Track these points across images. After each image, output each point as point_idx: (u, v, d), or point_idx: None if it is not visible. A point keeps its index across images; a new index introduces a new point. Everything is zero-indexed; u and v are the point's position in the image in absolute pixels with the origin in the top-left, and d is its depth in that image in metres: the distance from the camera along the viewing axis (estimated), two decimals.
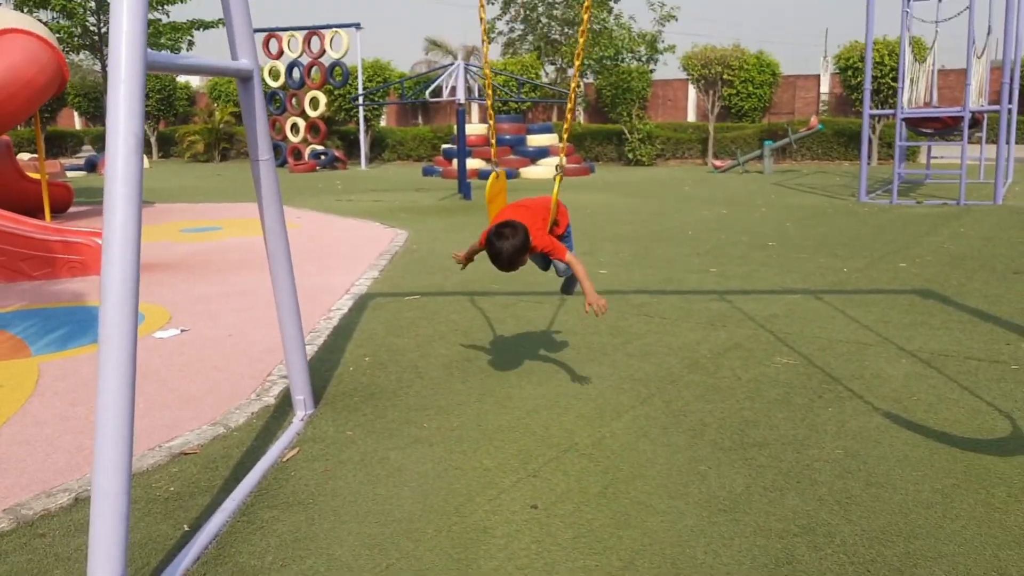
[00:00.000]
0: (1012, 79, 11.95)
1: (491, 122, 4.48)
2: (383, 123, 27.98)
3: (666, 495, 3.18)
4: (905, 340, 5.14)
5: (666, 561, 2.73)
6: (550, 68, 26.87)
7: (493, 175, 4.13)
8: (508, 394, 4.28)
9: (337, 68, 22.58)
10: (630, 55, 23.44)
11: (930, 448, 3.56)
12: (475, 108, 26.88)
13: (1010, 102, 12.31)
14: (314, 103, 23.14)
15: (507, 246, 3.73)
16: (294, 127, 23.72)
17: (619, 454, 3.56)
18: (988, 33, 13.82)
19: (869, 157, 20.13)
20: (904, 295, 6.38)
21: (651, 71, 24.05)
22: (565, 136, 4.07)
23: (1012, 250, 8.19)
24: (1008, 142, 12.11)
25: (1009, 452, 3.52)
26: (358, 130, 24.55)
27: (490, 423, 3.90)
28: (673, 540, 2.86)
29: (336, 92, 24.52)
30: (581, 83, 24.93)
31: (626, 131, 23.11)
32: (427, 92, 14.71)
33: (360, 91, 23.07)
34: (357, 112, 24.65)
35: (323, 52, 22.47)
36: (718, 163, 20.08)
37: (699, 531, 2.92)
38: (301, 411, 3.92)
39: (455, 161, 19.44)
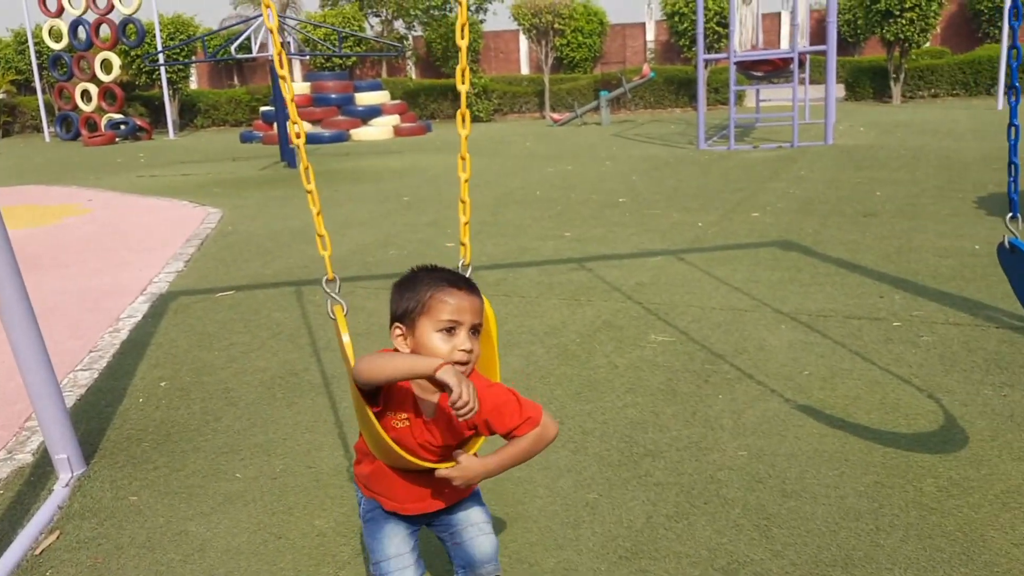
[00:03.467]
0: (833, 19, 12.06)
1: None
2: (193, 85, 25.62)
3: (553, 544, 2.52)
4: (779, 302, 4.75)
5: None
6: (375, 20, 25.45)
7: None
8: (347, 417, 3.47)
9: (130, 25, 20.10)
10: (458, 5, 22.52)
11: (839, 437, 3.09)
12: (296, 65, 25.11)
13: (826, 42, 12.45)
14: (106, 66, 20.63)
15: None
16: (85, 94, 21.11)
17: (490, 487, 2.85)
18: None
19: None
20: (765, 248, 6.05)
21: (481, 21, 23.25)
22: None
23: (855, 192, 8.15)
24: (832, 82, 12.29)
25: (922, 431, 3.12)
26: (163, 95, 22.25)
27: (324, 462, 3.08)
28: None
29: (132, 52, 22.04)
30: (409, 36, 23.80)
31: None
32: (233, 48, 13.18)
33: (160, 49, 20.77)
34: (159, 74, 22.31)
35: (111, 8, 19.95)
36: (556, 116, 19.67)
37: None
38: (65, 473, 2.95)
39: (276, 125, 17.95)
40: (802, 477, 2.82)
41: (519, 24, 23.35)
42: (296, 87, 18.91)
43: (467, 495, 1.99)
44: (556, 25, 22.93)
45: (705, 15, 20.64)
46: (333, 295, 1.98)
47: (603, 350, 4.11)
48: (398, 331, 1.85)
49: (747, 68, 13.45)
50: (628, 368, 3.86)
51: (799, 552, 2.41)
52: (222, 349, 4.35)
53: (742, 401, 3.45)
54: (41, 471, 3.07)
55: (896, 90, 20.19)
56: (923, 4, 19.03)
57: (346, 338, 1.93)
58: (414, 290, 1.82)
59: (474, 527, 1.97)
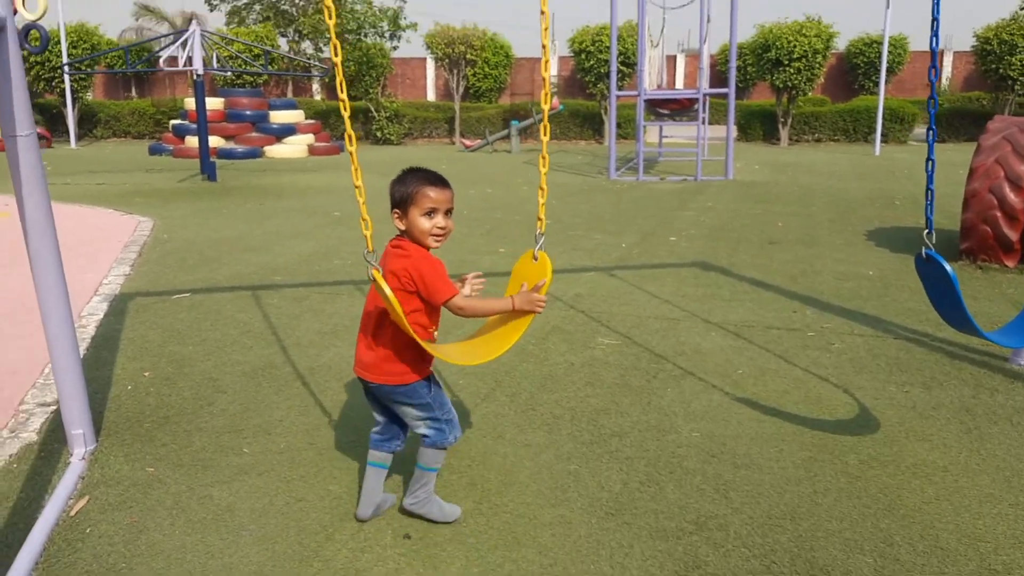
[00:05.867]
0: (733, 64, 13.08)
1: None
2: (90, 96, 24.76)
3: (546, 503, 2.89)
4: (706, 313, 5.29)
5: None
6: (282, 40, 25.35)
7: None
8: (334, 403, 3.74)
9: (34, 31, 19.30)
10: (372, 30, 22.77)
11: (774, 423, 3.60)
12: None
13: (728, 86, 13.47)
14: None
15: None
16: None
17: (480, 461, 3.21)
18: (708, 21, 15.05)
19: (604, 136, 21.38)
20: (686, 268, 6.64)
21: (395, 48, 23.58)
22: None
23: (757, 222, 8.93)
24: (731, 122, 13.30)
25: (842, 419, 3.67)
26: (61, 103, 21.48)
27: (324, 440, 3.36)
28: (572, 556, 2.58)
29: (33, 59, 21.21)
30: (336, 55, 23.83)
31: (372, 109, 22.48)
32: (162, 60, 13.07)
33: (65, 58, 20.13)
34: (59, 82, 21.54)
35: (15, 12, 19.22)
36: (468, 142, 20.17)
37: (595, 541, 2.66)
38: (80, 448, 3.11)
39: (188, 138, 17.70)
40: (748, 453, 3.30)
41: (432, 53, 23.81)
42: (208, 102, 18.70)
43: None
44: (468, 56, 23.53)
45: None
46: (371, 262, 2.51)
47: (557, 350, 4.53)
48: (396, 214, 2.65)
49: (654, 106, 14.34)
50: (583, 365, 4.29)
51: (754, 509, 2.87)
52: (196, 344, 4.52)
53: (688, 393, 3.93)
54: (50, 448, 3.21)
55: (784, 133, 21.76)
56: (809, 55, 20.68)
57: (388, 291, 2.48)
58: (405, 185, 2.62)
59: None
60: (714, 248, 7.46)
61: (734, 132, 14.26)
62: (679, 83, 26.22)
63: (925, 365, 4.32)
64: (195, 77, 12.33)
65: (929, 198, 2.94)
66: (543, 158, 2.70)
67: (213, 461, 3.15)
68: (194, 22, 16.18)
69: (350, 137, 2.38)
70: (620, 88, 20.57)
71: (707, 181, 12.75)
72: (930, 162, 2.91)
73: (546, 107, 2.67)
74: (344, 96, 2.28)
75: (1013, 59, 20.93)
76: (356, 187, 2.49)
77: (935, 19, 2.91)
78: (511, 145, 19.39)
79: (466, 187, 12.04)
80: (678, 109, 14.16)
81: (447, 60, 23.63)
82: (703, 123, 14.18)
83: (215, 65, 13.91)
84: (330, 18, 2.06)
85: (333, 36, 2.04)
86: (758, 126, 22.52)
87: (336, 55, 2.06)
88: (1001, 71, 21.27)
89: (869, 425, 3.59)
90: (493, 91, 25.16)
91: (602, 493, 2.97)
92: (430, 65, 26.73)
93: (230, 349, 4.44)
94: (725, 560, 2.57)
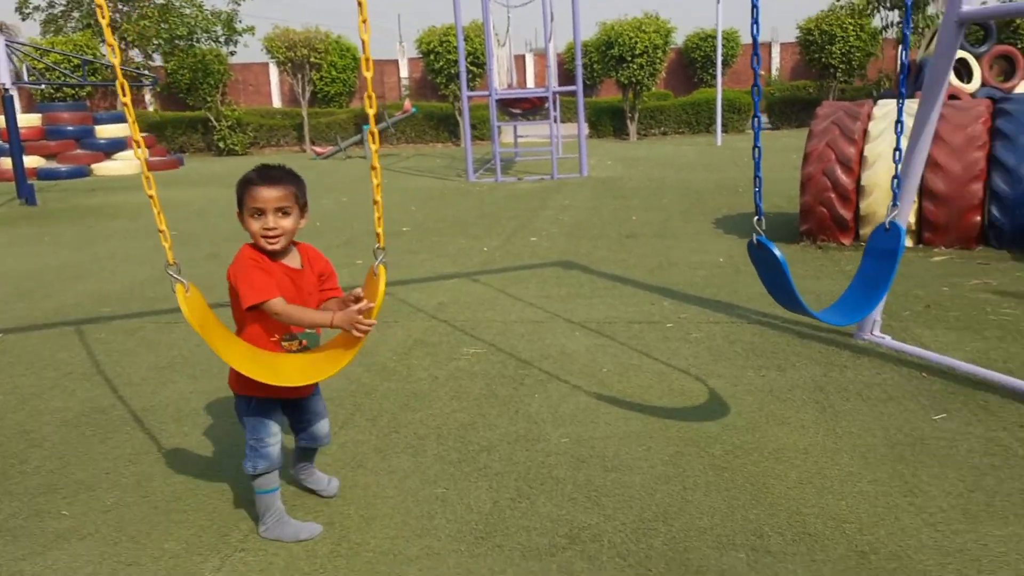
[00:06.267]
0: (579, 62, 13.25)
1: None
2: None
3: (412, 534, 2.69)
4: (569, 313, 5.23)
5: None
6: (106, 49, 23.74)
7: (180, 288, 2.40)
8: (171, 446, 3.38)
9: None
10: (205, 35, 21.64)
11: (640, 420, 3.55)
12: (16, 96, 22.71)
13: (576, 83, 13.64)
14: None
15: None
16: None
17: (339, 496, 2.96)
18: (551, 19, 15.16)
19: (460, 138, 21.27)
20: (549, 268, 6.59)
21: (231, 53, 22.51)
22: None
23: (615, 217, 9.03)
24: (582, 120, 13.47)
25: (705, 409, 3.66)
26: None
27: (158, 491, 3.00)
28: None
29: None
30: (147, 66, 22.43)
31: (212, 118, 21.39)
32: None
33: None
34: None
35: None
36: (319, 149, 19.55)
37: (465, 570, 2.48)
38: None
39: (2, 160, 16.18)
40: (617, 454, 3.22)
41: (273, 57, 22.91)
42: (24, 118, 17.18)
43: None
44: (312, 59, 22.81)
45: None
46: (175, 276, 2.38)
47: (421, 364, 4.32)
48: (238, 214, 2.56)
49: (506, 106, 14.33)
50: (448, 379, 4.10)
51: (626, 514, 2.78)
52: (6, 393, 4.00)
53: (556, 397, 3.82)
54: None
55: (632, 128, 22.38)
56: (650, 51, 21.35)
57: (183, 307, 2.36)
58: (239, 186, 2.53)
59: (318, 415, 2.83)
60: (575, 246, 7.46)
61: (586, 129, 14.50)
62: (530, 82, 26.46)
63: (778, 347, 4.41)
64: (3, 91, 11.22)
65: (757, 185, 2.94)
66: (374, 169, 2.50)
67: (25, 529, 2.74)
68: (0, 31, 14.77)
69: (138, 143, 2.26)
70: (471, 89, 20.50)
71: (564, 179, 12.85)
72: (756, 149, 2.91)
73: (371, 111, 2.43)
74: (127, 100, 2.03)
75: (833, 48, 22.39)
76: (150, 196, 2.36)
77: (755, 6, 2.90)
78: (365, 150, 18.92)
79: (320, 197, 11.59)
80: (530, 108, 14.23)
81: (290, 64, 22.81)
82: (555, 122, 14.29)
83: (27, 78, 12.73)
84: (103, 17, 1.78)
85: (108, 36, 1.76)
86: (608, 122, 23.06)
87: (115, 56, 1.79)
88: (824, 60, 22.71)
89: (731, 413, 3.59)
90: (343, 95, 24.51)
91: (471, 516, 2.79)
92: (273, 71, 25.70)
93: (48, 395, 3.96)
94: (600, 573, 2.45)
